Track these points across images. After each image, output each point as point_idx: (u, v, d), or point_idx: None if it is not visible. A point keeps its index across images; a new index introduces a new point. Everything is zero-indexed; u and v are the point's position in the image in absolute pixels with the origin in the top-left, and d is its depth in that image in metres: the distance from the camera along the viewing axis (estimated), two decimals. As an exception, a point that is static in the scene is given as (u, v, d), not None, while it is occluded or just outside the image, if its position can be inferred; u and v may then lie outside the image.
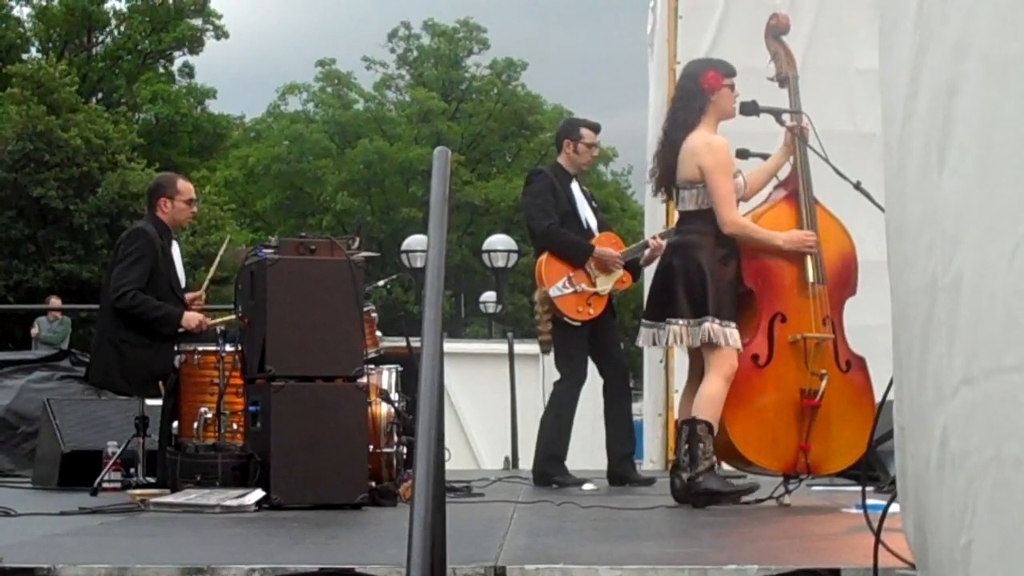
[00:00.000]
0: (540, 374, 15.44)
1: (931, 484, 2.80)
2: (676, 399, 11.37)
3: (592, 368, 8.98)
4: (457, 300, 38.42)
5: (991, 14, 2.54)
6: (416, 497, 3.28)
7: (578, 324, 8.72)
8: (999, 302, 2.46)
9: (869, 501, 6.61)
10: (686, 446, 6.77)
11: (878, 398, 7.27)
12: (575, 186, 9.03)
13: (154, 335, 8.09)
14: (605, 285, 8.79)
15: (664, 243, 8.82)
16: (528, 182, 9.22)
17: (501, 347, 15.90)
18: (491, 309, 33.51)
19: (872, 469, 8.04)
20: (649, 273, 8.60)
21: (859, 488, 8.06)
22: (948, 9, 2.75)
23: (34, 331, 20.91)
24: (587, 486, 8.48)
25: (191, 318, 8.18)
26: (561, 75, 68.06)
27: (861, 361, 7.17)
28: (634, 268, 8.99)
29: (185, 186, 8.65)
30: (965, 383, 2.61)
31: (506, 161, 50.14)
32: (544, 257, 8.75)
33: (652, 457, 11.95)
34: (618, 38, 67.11)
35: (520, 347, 14.78)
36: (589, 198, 9.16)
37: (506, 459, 13.36)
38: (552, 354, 8.86)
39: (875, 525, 3.78)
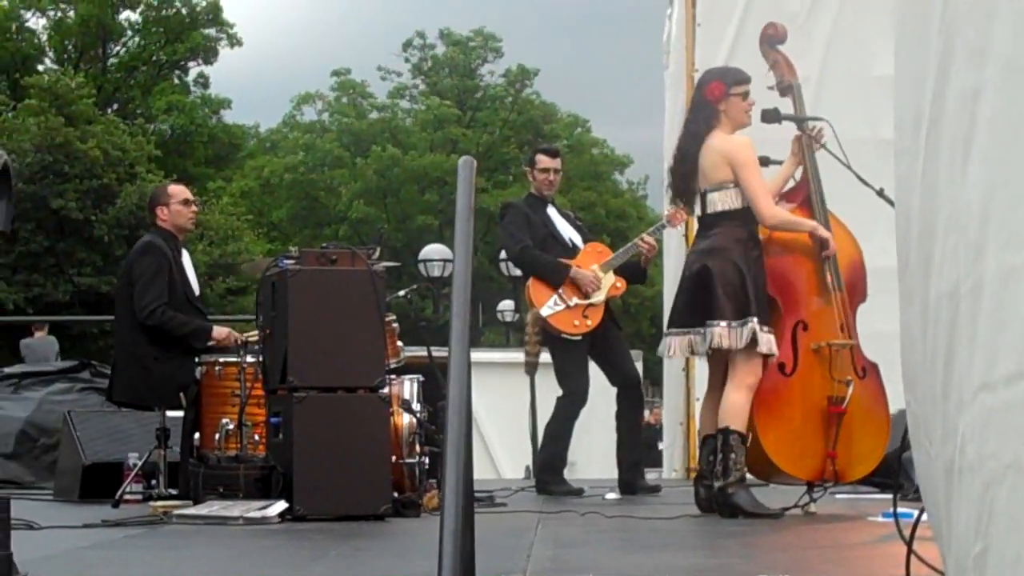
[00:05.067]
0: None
1: (952, 491, 2.78)
2: (697, 408, 11.38)
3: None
4: (475, 309, 38.40)
5: (1010, 17, 2.53)
6: (446, 509, 3.24)
7: (578, 339, 8.71)
8: (1022, 309, 2.45)
9: (899, 509, 6.63)
10: (720, 456, 6.71)
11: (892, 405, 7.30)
12: (551, 210, 9.07)
13: (179, 348, 8.06)
14: (599, 295, 8.75)
15: (655, 242, 8.85)
16: (500, 216, 9.36)
17: (519, 356, 15.85)
18: (509, 318, 33.48)
19: (897, 476, 8.01)
20: (670, 282, 8.56)
21: (884, 496, 8.09)
22: (972, 13, 2.74)
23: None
24: (609, 495, 8.47)
25: (221, 331, 8.15)
26: (576, 85, 68.02)
27: (875, 368, 7.14)
28: (635, 272, 8.93)
29: (175, 188, 8.69)
30: (984, 389, 2.60)
31: (522, 169, 50.06)
32: (532, 279, 8.80)
33: (674, 466, 11.89)
34: (634, 47, 67.02)
35: (541, 356, 14.71)
36: (572, 219, 9.23)
37: (527, 468, 13.34)
38: (536, 375, 8.91)
39: (906, 534, 3.73)
